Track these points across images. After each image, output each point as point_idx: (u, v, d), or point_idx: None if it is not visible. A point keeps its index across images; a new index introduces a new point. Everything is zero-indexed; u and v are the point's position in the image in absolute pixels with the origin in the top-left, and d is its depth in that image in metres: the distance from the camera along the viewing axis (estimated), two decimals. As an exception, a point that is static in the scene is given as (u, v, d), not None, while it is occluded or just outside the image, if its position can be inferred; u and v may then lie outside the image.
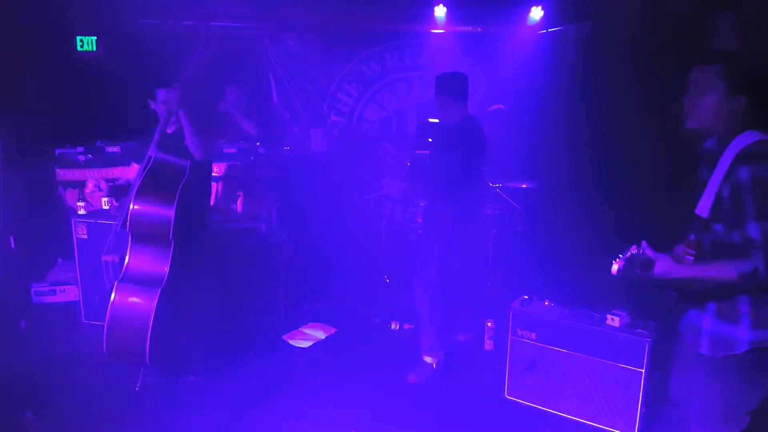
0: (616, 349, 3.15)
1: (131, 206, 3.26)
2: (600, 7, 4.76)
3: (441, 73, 3.94)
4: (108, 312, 3.23)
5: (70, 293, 4.74)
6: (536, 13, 5.61)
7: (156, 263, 3.32)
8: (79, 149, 4.86)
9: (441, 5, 5.78)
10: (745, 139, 2.00)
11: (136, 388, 3.53)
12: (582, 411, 3.31)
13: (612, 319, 3.19)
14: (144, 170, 3.32)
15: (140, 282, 3.27)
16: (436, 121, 4.42)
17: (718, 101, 2.04)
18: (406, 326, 4.71)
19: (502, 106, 6.30)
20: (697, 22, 3.65)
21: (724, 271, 1.95)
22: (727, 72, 2.03)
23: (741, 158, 1.97)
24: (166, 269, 3.31)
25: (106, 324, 3.25)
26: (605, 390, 3.21)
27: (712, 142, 2.14)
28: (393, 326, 4.73)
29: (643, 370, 3.08)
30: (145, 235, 3.31)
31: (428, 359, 3.95)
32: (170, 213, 3.26)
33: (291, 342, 4.43)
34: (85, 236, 4.34)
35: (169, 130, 3.57)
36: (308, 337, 4.52)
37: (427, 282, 3.89)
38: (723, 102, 2.04)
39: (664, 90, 4.07)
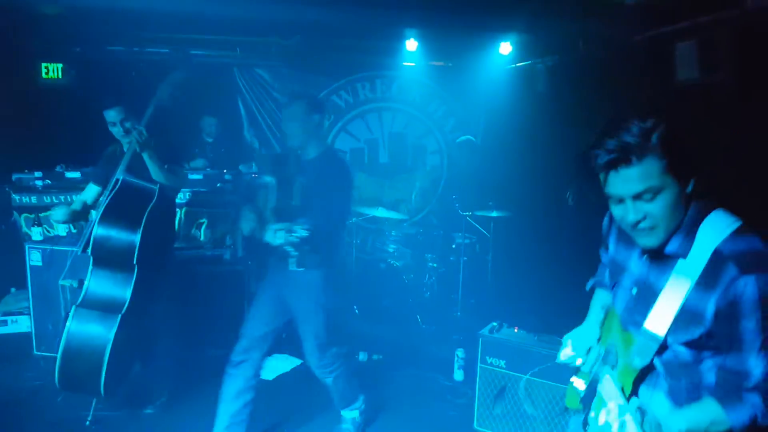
0: (587, 376, 3.10)
1: (95, 229, 3.14)
2: (567, 42, 4.86)
3: (300, 94, 3.40)
4: (63, 339, 3.08)
5: (23, 324, 4.55)
6: (505, 48, 5.72)
7: (117, 288, 3.19)
8: (37, 174, 4.72)
9: (412, 39, 5.85)
10: (715, 226, 1.48)
11: (87, 422, 3.36)
12: (553, 441, 3.24)
13: (582, 346, 3.14)
14: (111, 193, 3.21)
15: (100, 307, 3.14)
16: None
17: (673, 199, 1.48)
18: (375, 356, 4.61)
19: (471, 137, 6.39)
20: (660, 50, 3.74)
21: (716, 422, 1.44)
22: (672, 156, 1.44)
23: (733, 262, 1.42)
24: (128, 295, 3.18)
25: (60, 352, 3.08)
26: (576, 419, 3.15)
27: (675, 245, 1.53)
28: (361, 356, 4.62)
29: (614, 398, 3.02)
30: (108, 259, 3.19)
31: (350, 415, 3.49)
32: (135, 237, 3.15)
33: (255, 374, 4.28)
34: (40, 263, 4.17)
35: None
36: (272, 368, 4.38)
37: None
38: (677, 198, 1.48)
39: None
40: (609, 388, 1.65)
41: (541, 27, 5.05)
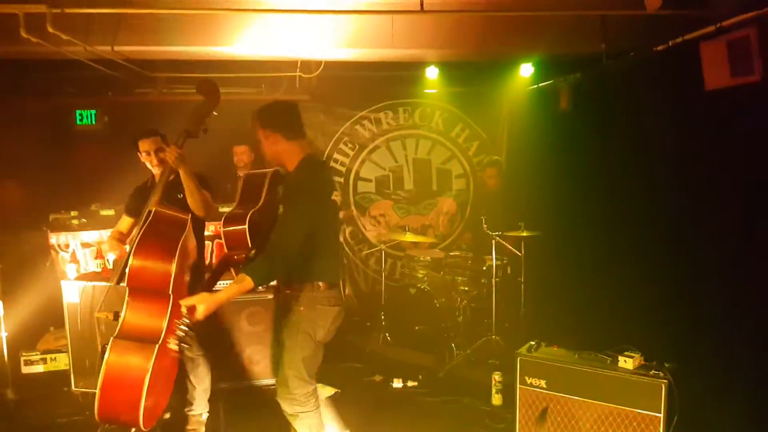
0: (632, 393, 3.02)
1: (131, 260, 3.18)
2: (589, 58, 4.86)
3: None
4: (102, 371, 3.08)
5: (61, 361, 4.60)
6: (526, 70, 5.74)
7: (153, 318, 3.20)
8: (73, 213, 4.84)
9: (433, 67, 5.92)
10: None
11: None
12: (600, 463, 3.12)
13: (625, 361, 3.07)
14: (144, 224, 3.26)
15: (137, 338, 3.14)
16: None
17: None
18: (410, 383, 4.54)
19: (497, 158, 6.39)
20: (687, 55, 3.69)
21: None
22: None
23: None
24: (165, 324, 3.19)
25: (99, 384, 3.08)
26: (623, 438, 3.05)
27: None
28: (396, 384, 4.55)
29: (662, 415, 2.93)
30: (144, 289, 3.21)
31: None
32: (170, 267, 3.17)
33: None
34: (76, 300, 4.22)
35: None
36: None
37: None
38: None
39: (660, 128, 4.14)
40: None
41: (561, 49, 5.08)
